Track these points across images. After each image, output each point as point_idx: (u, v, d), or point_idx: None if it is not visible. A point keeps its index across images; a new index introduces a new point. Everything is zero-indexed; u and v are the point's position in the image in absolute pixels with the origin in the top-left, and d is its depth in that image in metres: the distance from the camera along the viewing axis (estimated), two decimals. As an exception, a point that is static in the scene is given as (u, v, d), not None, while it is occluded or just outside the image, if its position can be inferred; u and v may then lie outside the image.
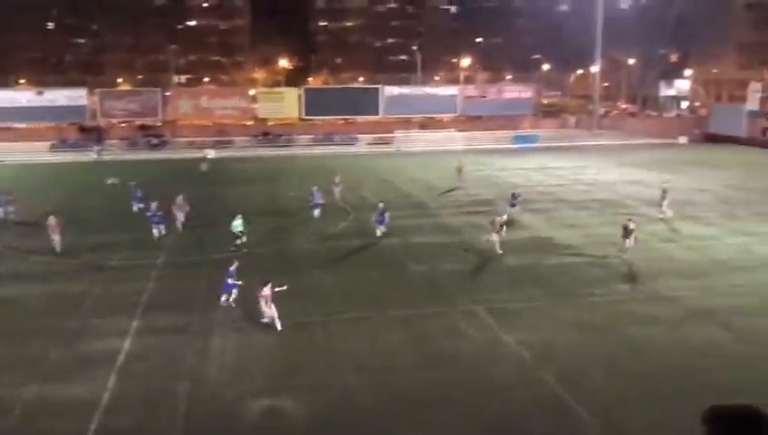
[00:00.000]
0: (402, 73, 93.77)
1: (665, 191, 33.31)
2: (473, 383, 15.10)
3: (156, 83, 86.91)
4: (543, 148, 68.44)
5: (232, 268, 20.44)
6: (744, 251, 26.44)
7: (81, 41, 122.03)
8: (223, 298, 20.30)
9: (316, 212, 33.80)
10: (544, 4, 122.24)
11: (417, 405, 14.18)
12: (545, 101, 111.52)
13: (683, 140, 72.87)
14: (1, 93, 77.58)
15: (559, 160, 57.30)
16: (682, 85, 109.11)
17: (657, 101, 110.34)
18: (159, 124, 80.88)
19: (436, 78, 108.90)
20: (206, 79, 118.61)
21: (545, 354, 16.56)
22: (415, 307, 20.23)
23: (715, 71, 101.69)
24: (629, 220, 25.60)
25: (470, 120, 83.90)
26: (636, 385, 14.87)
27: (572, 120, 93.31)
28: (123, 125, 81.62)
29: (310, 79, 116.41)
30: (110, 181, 45.38)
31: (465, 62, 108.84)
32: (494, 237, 25.98)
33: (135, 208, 34.93)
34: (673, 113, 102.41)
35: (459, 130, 76.11)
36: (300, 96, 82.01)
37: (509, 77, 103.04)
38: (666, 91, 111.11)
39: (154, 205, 30.26)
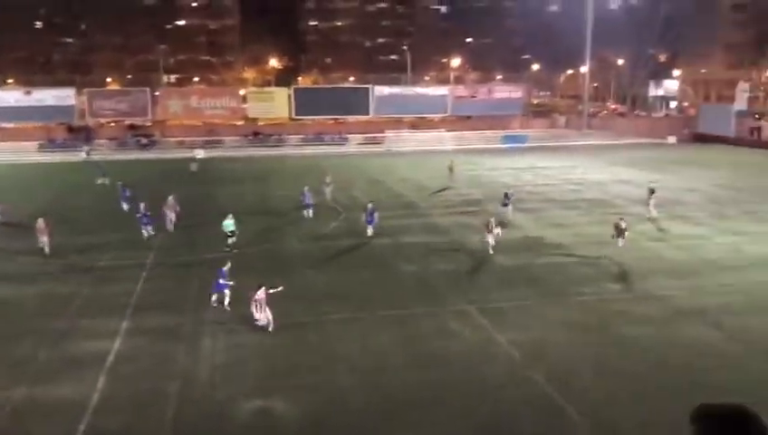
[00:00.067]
0: (392, 73, 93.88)
1: (652, 191, 33.47)
2: (464, 383, 15.10)
3: (145, 83, 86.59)
4: (533, 148, 68.64)
5: (224, 269, 20.33)
6: (734, 250, 26.59)
7: (70, 40, 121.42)
8: (214, 298, 20.22)
9: (307, 212, 33.76)
10: (534, 5, 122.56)
11: (408, 405, 14.17)
12: (535, 101, 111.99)
13: (672, 139, 73.27)
14: (-11, 93, 77.06)
15: (548, 160, 57.48)
16: (671, 85, 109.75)
17: (646, 101, 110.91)
18: (149, 124, 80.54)
19: (427, 78, 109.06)
20: (196, 78, 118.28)
21: (535, 354, 16.60)
22: (406, 307, 20.23)
23: (703, 71, 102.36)
24: (621, 219, 25.70)
25: (460, 120, 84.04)
26: (625, 384, 14.93)
27: (562, 120, 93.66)
28: (112, 125, 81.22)
29: (300, 79, 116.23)
30: (99, 181, 45.15)
31: (456, 62, 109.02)
32: (490, 238, 25.93)
33: (125, 208, 34.91)
34: (662, 113, 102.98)
35: (449, 130, 76.24)
36: (290, 96, 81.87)
37: (499, 77, 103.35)
38: (655, 91, 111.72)
39: (142, 205, 30.13)
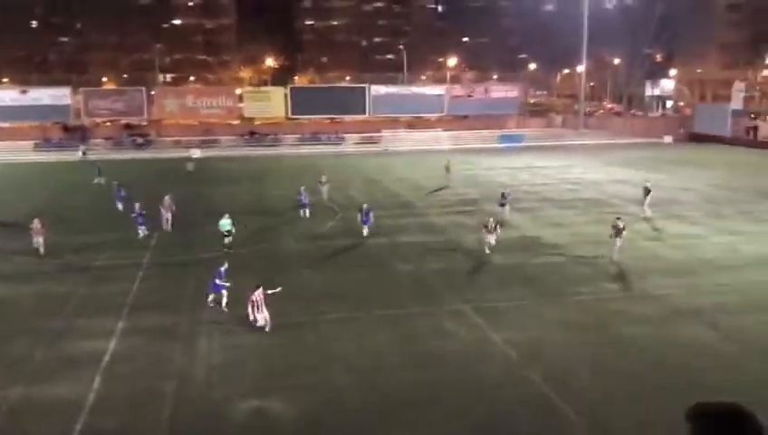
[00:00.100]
0: (389, 73, 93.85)
1: (647, 191, 33.50)
2: (460, 383, 15.10)
3: (141, 82, 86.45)
4: (530, 147, 68.71)
5: (222, 269, 20.27)
6: (730, 250, 26.64)
7: (66, 39, 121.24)
8: (211, 298, 20.17)
9: (303, 212, 33.74)
10: (530, 4, 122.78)
11: (405, 405, 14.17)
12: (531, 101, 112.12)
13: (668, 139, 73.43)
14: (-16, 92, 76.88)
15: (545, 160, 57.55)
16: (667, 85, 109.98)
17: (642, 100, 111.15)
18: (145, 123, 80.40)
19: (423, 77, 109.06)
20: (192, 78, 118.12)
21: (532, 353, 16.61)
22: (402, 307, 20.22)
23: (699, 71, 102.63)
24: (618, 219, 25.68)
25: (457, 120, 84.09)
26: (622, 384, 14.94)
27: (558, 119, 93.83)
28: (108, 124, 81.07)
29: (296, 78, 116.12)
30: (96, 181, 45.08)
31: (452, 61, 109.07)
32: (491, 238, 25.85)
33: (120, 207, 34.94)
34: (658, 113, 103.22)
35: (446, 130, 76.29)
36: (286, 95, 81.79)
37: (495, 76, 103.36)
38: (651, 90, 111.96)
39: (138, 205, 30.10)
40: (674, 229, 30.40)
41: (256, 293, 17.99)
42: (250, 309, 17.97)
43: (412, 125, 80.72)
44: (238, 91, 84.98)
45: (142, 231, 29.45)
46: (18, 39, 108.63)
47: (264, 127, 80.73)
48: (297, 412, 13.99)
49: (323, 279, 23.40)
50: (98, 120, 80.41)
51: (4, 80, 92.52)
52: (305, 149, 70.60)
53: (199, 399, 14.62)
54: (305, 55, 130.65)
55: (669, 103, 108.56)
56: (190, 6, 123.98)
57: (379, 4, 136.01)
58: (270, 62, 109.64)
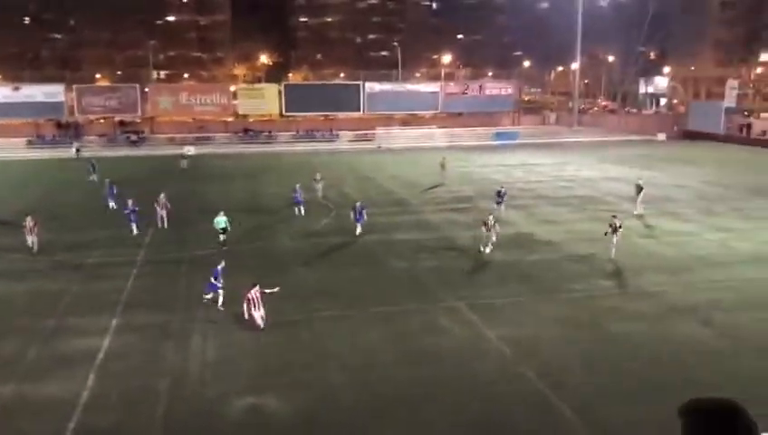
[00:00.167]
0: (383, 70, 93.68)
1: (640, 188, 33.55)
2: (454, 380, 15.12)
3: (135, 79, 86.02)
4: (524, 144, 68.80)
5: (218, 268, 20.17)
6: (723, 247, 26.74)
7: (59, 36, 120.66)
8: (208, 297, 20.05)
9: (298, 209, 33.68)
10: (525, 2, 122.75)
11: (399, 402, 14.17)
12: (526, 98, 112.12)
13: (661, 136, 73.60)
14: (-23, 89, 76.35)
15: (539, 157, 57.65)
16: (661, 82, 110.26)
17: (636, 98, 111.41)
18: (138, 120, 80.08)
19: (418, 74, 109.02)
20: (186, 75, 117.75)
21: (527, 350, 16.63)
22: (397, 304, 20.22)
23: (692, 68, 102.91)
24: (614, 217, 25.69)
25: (451, 117, 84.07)
26: (617, 381, 14.98)
27: (553, 116, 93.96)
28: (101, 121, 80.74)
29: (290, 75, 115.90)
30: (90, 178, 44.93)
31: (447, 58, 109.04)
32: (492, 236, 25.76)
33: (110, 206, 34.88)
34: (652, 110, 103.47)
35: (440, 127, 76.28)
36: (280, 92, 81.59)
37: (490, 74, 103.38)
38: (645, 88, 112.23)
39: (130, 201, 30.02)
40: (667, 226, 30.48)
41: (253, 291, 17.94)
42: (245, 307, 17.93)
43: (407, 122, 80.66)
44: (232, 89, 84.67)
45: (135, 228, 29.37)
46: (11, 35, 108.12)
47: (258, 124, 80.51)
48: (291, 410, 13.98)
49: (318, 277, 23.37)
50: (91, 117, 79.98)
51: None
52: (299, 147, 70.49)
53: (193, 396, 14.59)
54: (299, 52, 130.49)
55: (663, 101, 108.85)
56: (184, 3, 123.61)
57: (373, 1, 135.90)
58: (264, 59, 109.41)
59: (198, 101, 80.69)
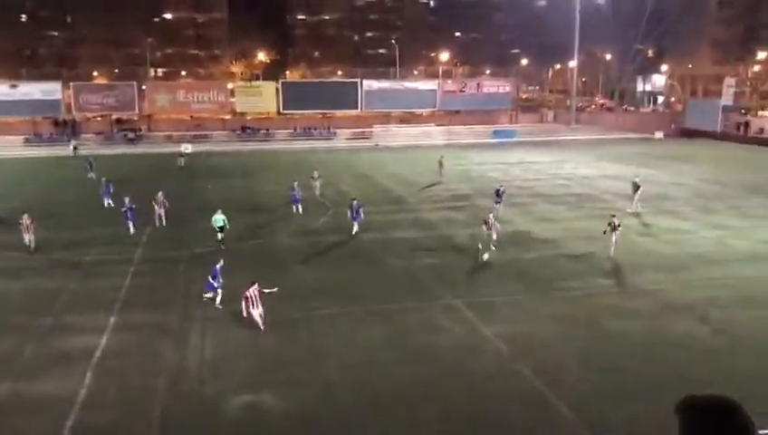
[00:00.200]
0: (381, 67, 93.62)
1: (636, 186, 33.55)
2: (452, 378, 15.13)
3: (132, 77, 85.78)
4: (522, 142, 68.81)
5: (217, 267, 20.14)
6: (720, 244, 26.79)
7: (56, 33, 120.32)
8: (208, 295, 20.04)
9: (296, 207, 33.62)
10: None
11: (397, 400, 14.18)
12: (524, 96, 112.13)
13: (659, 134, 73.64)
14: (-27, 87, 76.16)
15: (537, 155, 57.68)
16: (658, 81, 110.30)
17: (633, 96, 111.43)
18: (136, 118, 79.95)
19: (415, 72, 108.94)
20: (184, 72, 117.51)
21: (523, 348, 16.65)
22: (394, 302, 20.22)
23: (690, 66, 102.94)
24: (613, 216, 25.64)
25: (449, 115, 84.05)
26: (614, 378, 15.00)
27: (550, 114, 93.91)
28: (99, 119, 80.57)
29: (288, 73, 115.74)
30: (89, 175, 44.87)
31: (444, 56, 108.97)
32: (492, 235, 25.65)
33: (106, 204, 34.87)
34: (649, 108, 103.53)
35: (438, 125, 76.25)
36: (278, 90, 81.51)
37: (488, 72, 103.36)
38: (642, 86, 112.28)
39: (127, 198, 29.99)
40: (665, 224, 30.52)
41: (251, 289, 17.92)
42: (244, 305, 17.93)
43: (404, 120, 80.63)
44: (230, 86, 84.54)
45: (132, 226, 29.33)
46: (8, 33, 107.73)
47: (255, 122, 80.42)
48: (290, 408, 13.98)
49: (316, 275, 23.37)
50: (89, 114, 79.83)
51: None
52: (297, 145, 70.43)
53: (191, 394, 14.59)
54: (297, 50, 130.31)
55: (661, 99, 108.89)
56: (182, 0, 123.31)
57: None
58: (262, 56, 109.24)
59: (196, 99, 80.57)
